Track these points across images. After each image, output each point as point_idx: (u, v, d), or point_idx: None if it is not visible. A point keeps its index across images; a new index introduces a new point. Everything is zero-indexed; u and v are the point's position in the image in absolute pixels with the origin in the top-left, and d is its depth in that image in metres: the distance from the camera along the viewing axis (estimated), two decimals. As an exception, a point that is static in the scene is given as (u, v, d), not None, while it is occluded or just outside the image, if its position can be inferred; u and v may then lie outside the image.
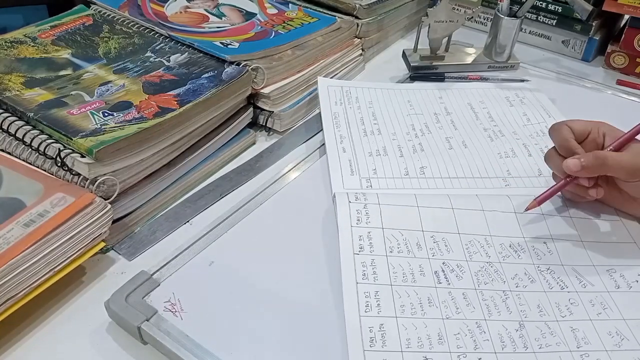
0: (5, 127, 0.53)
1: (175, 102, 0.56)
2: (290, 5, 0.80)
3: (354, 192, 0.53)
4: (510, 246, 0.50)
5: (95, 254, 0.48)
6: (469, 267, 0.48)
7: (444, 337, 0.42)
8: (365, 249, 0.48)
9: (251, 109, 0.65)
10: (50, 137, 0.51)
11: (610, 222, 0.53)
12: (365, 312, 0.43)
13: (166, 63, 0.63)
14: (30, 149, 0.52)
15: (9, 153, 0.53)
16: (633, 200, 0.52)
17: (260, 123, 0.67)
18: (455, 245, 0.49)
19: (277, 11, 0.78)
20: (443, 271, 0.47)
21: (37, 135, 0.51)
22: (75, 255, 0.46)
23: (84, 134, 0.50)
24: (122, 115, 0.54)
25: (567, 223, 0.53)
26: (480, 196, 0.54)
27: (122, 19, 0.72)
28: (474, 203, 0.53)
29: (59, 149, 0.50)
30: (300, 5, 0.80)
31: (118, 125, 0.52)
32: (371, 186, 0.56)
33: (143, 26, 0.70)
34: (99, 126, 0.51)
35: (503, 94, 0.73)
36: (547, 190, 0.51)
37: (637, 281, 0.48)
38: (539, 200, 0.51)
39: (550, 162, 0.52)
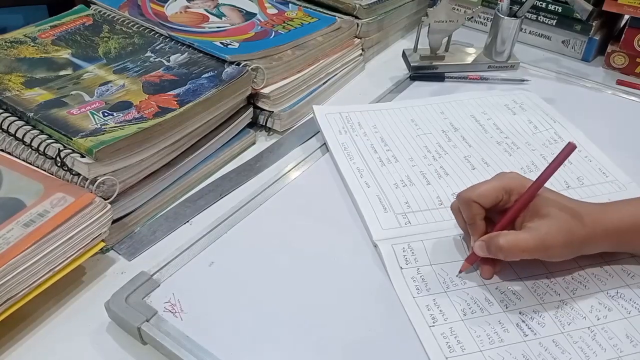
0: (5, 127, 0.53)
1: (175, 102, 0.56)
2: (290, 5, 0.80)
3: (399, 245, 0.51)
4: (572, 278, 0.49)
5: (95, 254, 0.48)
6: (545, 310, 0.46)
7: None
8: (438, 319, 0.45)
9: (251, 109, 0.65)
10: (50, 137, 0.51)
11: None
12: None
13: (166, 63, 0.63)
14: (30, 149, 0.52)
15: (9, 153, 0.53)
16: None
17: (260, 123, 0.67)
18: (522, 291, 0.48)
19: (277, 11, 0.78)
20: (524, 322, 0.45)
21: (37, 135, 0.51)
22: (75, 255, 0.46)
23: (84, 134, 0.50)
24: (122, 115, 0.54)
25: None
26: None
27: (122, 19, 0.72)
28: None
29: (59, 149, 0.50)
30: (300, 5, 0.80)
31: (118, 125, 0.52)
32: (409, 222, 0.53)
33: (143, 26, 0.70)
34: (99, 126, 0.51)
35: (501, 101, 0.73)
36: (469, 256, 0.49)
37: None
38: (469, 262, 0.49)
39: (463, 229, 0.51)
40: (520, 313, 0.46)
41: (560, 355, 0.43)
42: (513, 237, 0.46)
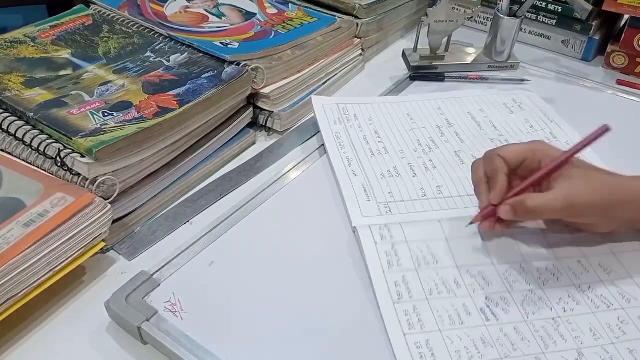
0: (5, 127, 0.53)
1: (175, 102, 0.56)
2: (290, 5, 0.80)
3: (376, 225, 0.52)
4: (546, 269, 0.49)
5: (95, 254, 0.48)
6: (512, 298, 0.46)
7: None
8: (403, 295, 0.46)
9: (251, 109, 0.65)
10: (50, 137, 0.51)
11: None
12: None
13: (166, 63, 0.63)
14: (30, 149, 0.52)
15: (9, 153, 0.53)
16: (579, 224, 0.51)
17: (260, 123, 0.67)
18: (492, 277, 0.48)
19: (277, 11, 0.78)
20: (488, 307, 0.45)
21: (37, 135, 0.51)
22: (75, 255, 0.46)
23: (84, 134, 0.50)
24: (122, 115, 0.54)
25: (594, 238, 0.52)
26: None
27: (122, 19, 0.72)
28: None
29: (59, 149, 0.50)
30: (300, 5, 0.80)
31: (118, 125, 0.52)
32: (390, 211, 0.54)
33: (143, 26, 0.70)
34: (99, 126, 0.51)
35: (500, 100, 0.73)
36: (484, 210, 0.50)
37: None
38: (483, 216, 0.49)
39: (479, 192, 0.51)
40: (486, 298, 0.46)
41: (519, 342, 0.43)
42: (541, 198, 0.46)
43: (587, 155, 0.63)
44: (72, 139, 0.49)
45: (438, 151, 0.63)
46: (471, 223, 0.49)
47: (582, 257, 0.50)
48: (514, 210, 0.46)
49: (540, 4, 0.85)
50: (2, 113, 0.54)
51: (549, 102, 0.72)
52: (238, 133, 0.64)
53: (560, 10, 0.84)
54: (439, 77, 0.78)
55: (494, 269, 0.49)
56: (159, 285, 0.47)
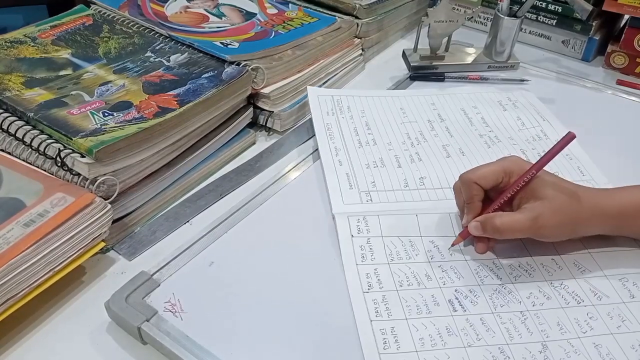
0: (5, 127, 0.53)
1: (175, 102, 0.56)
2: (290, 5, 0.80)
3: (354, 217, 0.52)
4: (519, 266, 0.49)
5: (95, 254, 0.48)
6: (482, 291, 0.47)
7: None
8: (374, 286, 0.47)
9: (251, 109, 0.65)
10: (50, 137, 0.51)
11: None
12: (384, 349, 0.42)
13: (166, 63, 0.63)
14: (30, 149, 0.52)
15: (9, 153, 0.53)
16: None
17: (260, 123, 0.67)
18: (464, 272, 0.49)
19: (277, 11, 0.78)
20: (457, 298, 0.46)
21: (37, 135, 0.51)
22: (75, 255, 0.46)
23: (84, 134, 0.50)
24: (122, 115, 0.54)
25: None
26: None
27: (122, 19, 0.72)
28: None
29: (59, 149, 0.50)
30: (300, 5, 0.80)
31: (118, 125, 0.52)
32: (371, 200, 0.55)
33: (143, 26, 0.70)
34: (99, 126, 0.51)
35: (495, 97, 0.73)
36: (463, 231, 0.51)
37: None
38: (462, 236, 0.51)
39: (461, 216, 0.52)
40: (455, 291, 0.47)
41: (484, 333, 0.44)
42: (508, 218, 0.48)
43: (576, 153, 0.63)
44: (72, 139, 0.49)
45: (426, 144, 0.63)
46: (452, 246, 0.51)
47: (557, 256, 0.50)
48: (482, 226, 0.48)
49: (540, 4, 0.85)
50: (2, 113, 0.54)
51: (549, 102, 0.72)
52: (238, 133, 0.64)
53: (560, 10, 0.84)
54: (439, 77, 0.78)
55: (466, 264, 0.49)
56: (159, 285, 0.47)
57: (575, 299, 0.47)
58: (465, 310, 0.45)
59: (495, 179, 0.49)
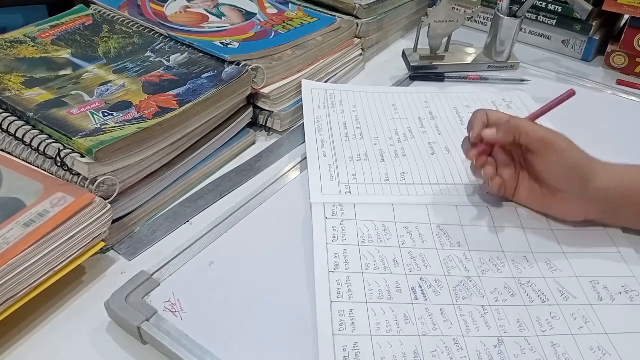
0: (5, 127, 0.53)
1: (175, 102, 0.56)
2: (290, 5, 0.80)
3: (330, 204, 0.53)
4: (489, 260, 0.49)
5: (95, 254, 0.48)
6: (447, 282, 0.47)
7: (419, 354, 0.41)
8: (340, 266, 0.47)
9: (251, 109, 0.65)
10: (50, 137, 0.51)
11: (594, 232, 0.53)
12: (340, 330, 0.42)
13: (166, 63, 0.63)
14: (30, 149, 0.52)
15: (9, 153, 0.53)
16: (553, 197, 0.52)
17: (260, 123, 0.67)
18: (433, 261, 0.49)
19: (277, 11, 0.78)
20: (420, 287, 0.46)
21: (37, 135, 0.51)
22: (75, 255, 0.46)
23: (83, 133, 0.50)
24: (122, 115, 0.54)
25: (547, 236, 0.52)
26: (459, 208, 0.54)
27: (122, 19, 0.72)
28: (453, 217, 0.53)
29: (59, 149, 0.50)
30: (300, 5, 0.80)
31: (118, 125, 0.52)
32: (350, 192, 0.55)
33: (143, 26, 0.70)
34: (99, 126, 0.51)
35: (490, 98, 0.73)
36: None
37: (621, 293, 0.47)
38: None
39: (464, 146, 0.55)
40: (420, 279, 0.47)
41: (442, 324, 0.44)
42: (525, 121, 0.51)
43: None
44: (72, 139, 0.49)
45: (413, 141, 0.64)
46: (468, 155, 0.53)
47: (530, 254, 0.50)
48: (507, 124, 0.51)
49: (540, 4, 0.85)
50: (2, 113, 0.54)
51: (549, 103, 0.72)
52: (238, 133, 0.64)
53: (560, 10, 0.84)
54: (439, 77, 0.78)
55: (436, 254, 0.49)
56: (159, 285, 0.47)
57: (541, 298, 0.46)
58: (426, 300, 0.45)
59: (500, 118, 0.52)
